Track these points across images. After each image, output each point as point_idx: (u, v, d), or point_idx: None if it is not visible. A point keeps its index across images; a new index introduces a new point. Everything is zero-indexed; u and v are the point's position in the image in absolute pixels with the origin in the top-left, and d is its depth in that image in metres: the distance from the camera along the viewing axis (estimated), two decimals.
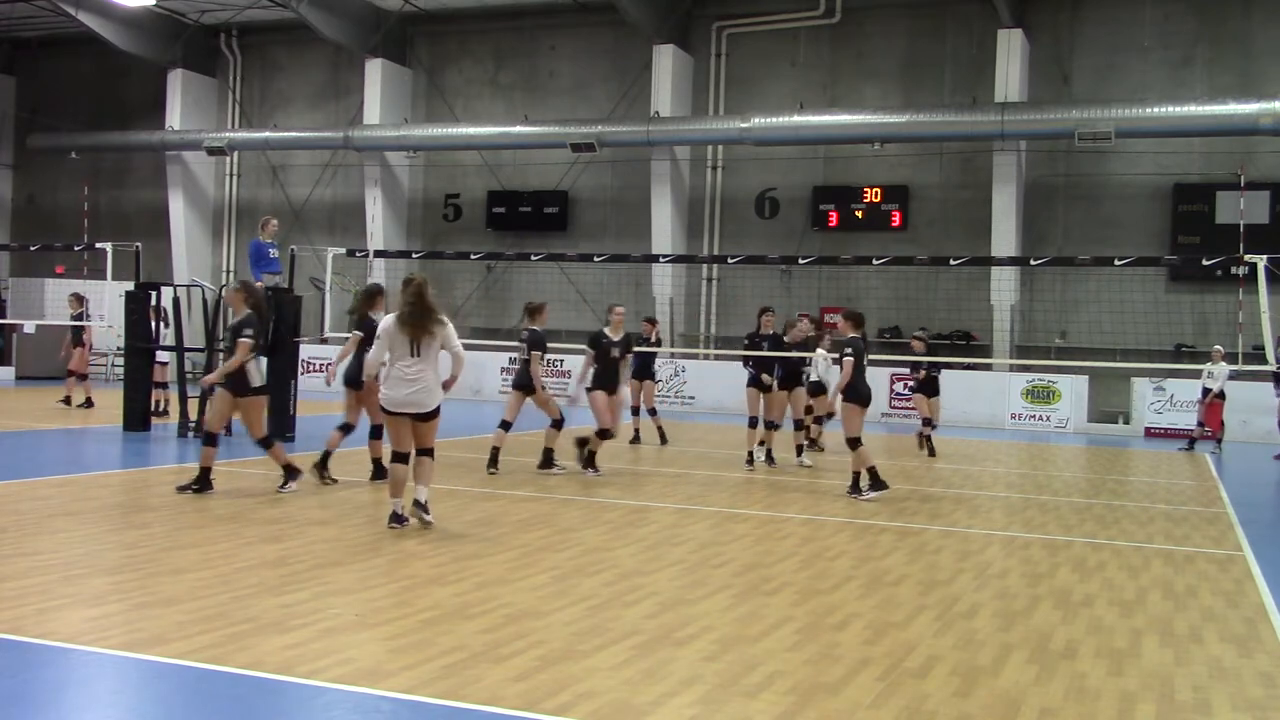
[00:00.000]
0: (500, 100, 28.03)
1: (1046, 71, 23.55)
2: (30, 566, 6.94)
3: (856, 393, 11.21)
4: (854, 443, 11.13)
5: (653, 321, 17.90)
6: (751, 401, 13.93)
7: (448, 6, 27.82)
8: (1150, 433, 21.39)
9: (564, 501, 10.56)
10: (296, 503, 9.99)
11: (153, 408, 16.29)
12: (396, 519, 8.53)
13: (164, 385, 17.49)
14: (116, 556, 7.49)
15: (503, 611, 6.21)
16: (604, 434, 12.26)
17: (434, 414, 8.67)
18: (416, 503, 8.60)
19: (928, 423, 16.25)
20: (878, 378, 19.22)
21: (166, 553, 7.52)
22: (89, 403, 19.21)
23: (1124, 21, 23.11)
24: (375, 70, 27.72)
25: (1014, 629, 6.30)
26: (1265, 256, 14.44)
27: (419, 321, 8.48)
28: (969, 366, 22.50)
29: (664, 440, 16.28)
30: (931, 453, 15.94)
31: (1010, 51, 22.71)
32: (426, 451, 8.71)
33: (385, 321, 8.68)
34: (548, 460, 12.39)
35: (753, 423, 13.83)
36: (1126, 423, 22.04)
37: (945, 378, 17.66)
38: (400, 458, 8.67)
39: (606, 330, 12.48)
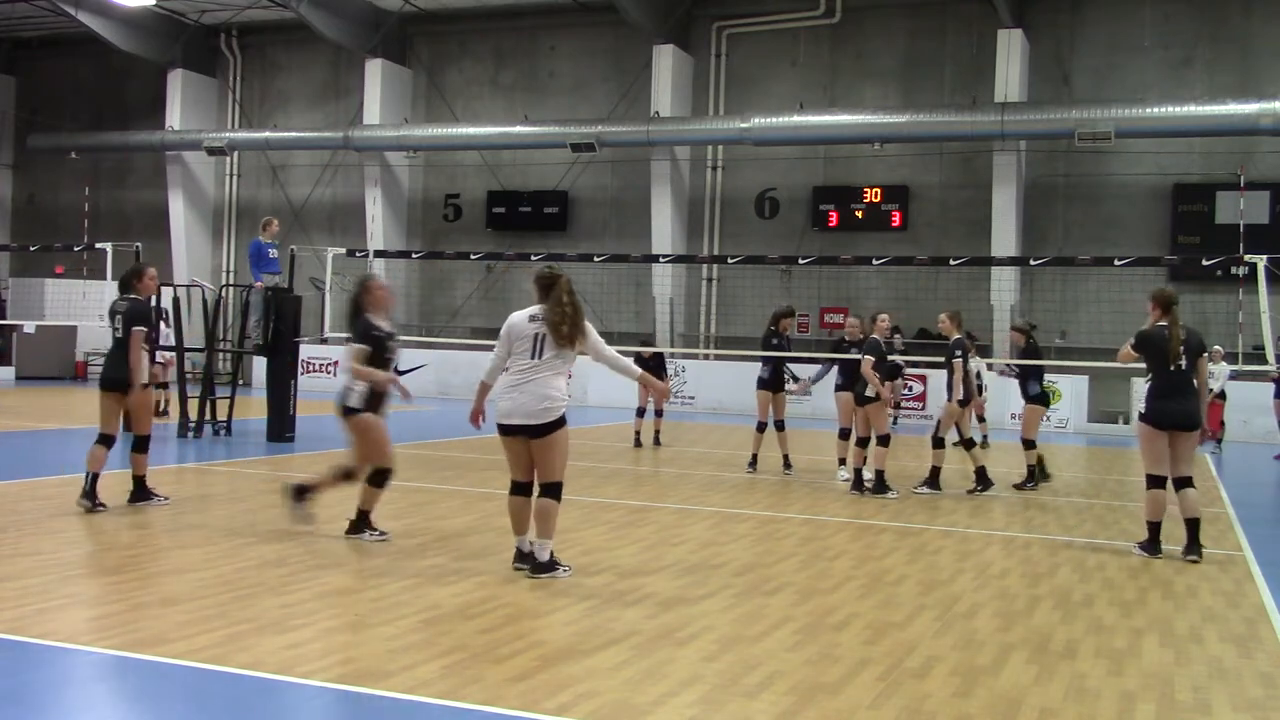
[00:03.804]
0: (500, 100, 28.03)
1: (1046, 71, 23.56)
2: (30, 566, 6.94)
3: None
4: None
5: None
6: (761, 405, 13.67)
7: (448, 6, 27.82)
8: None
9: (564, 501, 10.53)
10: None
11: (152, 408, 16.30)
12: (521, 558, 7.26)
13: (164, 385, 17.52)
14: (116, 556, 7.49)
15: (503, 611, 6.21)
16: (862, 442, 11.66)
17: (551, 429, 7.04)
18: (532, 560, 7.18)
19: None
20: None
21: (166, 553, 7.52)
22: None
23: (1124, 21, 23.11)
24: (375, 70, 27.72)
25: (1014, 629, 6.29)
26: (1265, 256, 14.42)
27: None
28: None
29: (658, 442, 16.24)
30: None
31: (1010, 51, 22.71)
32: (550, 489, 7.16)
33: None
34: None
35: (760, 426, 13.69)
36: (1126, 423, 22.03)
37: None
38: (520, 489, 7.26)
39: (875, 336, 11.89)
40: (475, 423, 7.46)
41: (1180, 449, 8.69)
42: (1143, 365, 8.95)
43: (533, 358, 7.05)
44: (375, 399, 8.14)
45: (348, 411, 8.05)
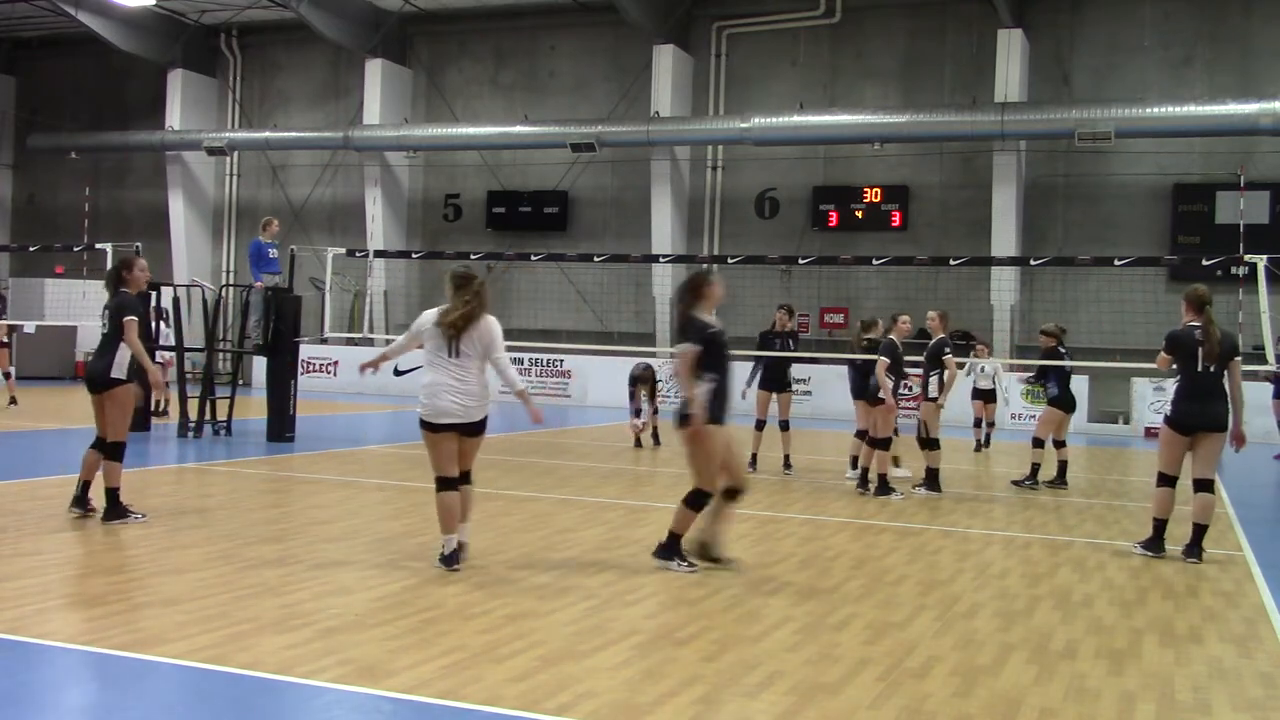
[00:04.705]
0: (500, 100, 28.03)
1: (1046, 71, 23.55)
2: (30, 566, 6.94)
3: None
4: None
5: None
6: (760, 404, 13.67)
7: (448, 6, 27.82)
8: (1150, 433, 21.32)
9: (563, 501, 10.56)
10: (297, 503, 10.00)
11: (153, 408, 16.30)
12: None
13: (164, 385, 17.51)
14: (116, 556, 7.48)
15: (503, 611, 6.21)
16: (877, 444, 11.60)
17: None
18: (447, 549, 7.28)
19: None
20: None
21: (166, 553, 7.52)
22: (13, 400, 18.75)
23: (1124, 21, 23.11)
24: (375, 70, 27.72)
25: (1014, 629, 6.29)
26: (1265, 256, 14.42)
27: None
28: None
29: (658, 442, 16.25)
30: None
31: (1010, 51, 22.71)
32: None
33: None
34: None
35: (759, 425, 13.69)
36: (1126, 423, 22.03)
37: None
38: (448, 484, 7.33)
39: (893, 337, 11.71)
40: (363, 371, 8.00)
41: (1203, 450, 8.53)
42: (1146, 366, 8.89)
43: (450, 355, 7.24)
44: (717, 404, 7.44)
45: (682, 421, 7.35)
